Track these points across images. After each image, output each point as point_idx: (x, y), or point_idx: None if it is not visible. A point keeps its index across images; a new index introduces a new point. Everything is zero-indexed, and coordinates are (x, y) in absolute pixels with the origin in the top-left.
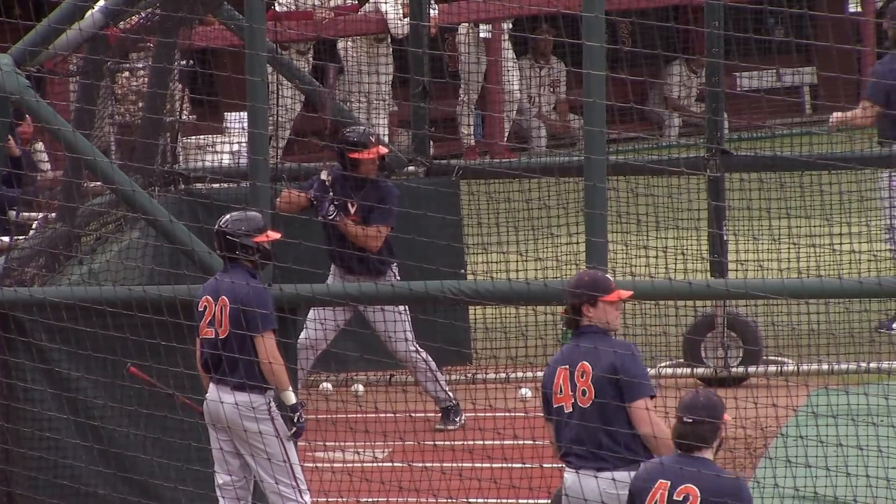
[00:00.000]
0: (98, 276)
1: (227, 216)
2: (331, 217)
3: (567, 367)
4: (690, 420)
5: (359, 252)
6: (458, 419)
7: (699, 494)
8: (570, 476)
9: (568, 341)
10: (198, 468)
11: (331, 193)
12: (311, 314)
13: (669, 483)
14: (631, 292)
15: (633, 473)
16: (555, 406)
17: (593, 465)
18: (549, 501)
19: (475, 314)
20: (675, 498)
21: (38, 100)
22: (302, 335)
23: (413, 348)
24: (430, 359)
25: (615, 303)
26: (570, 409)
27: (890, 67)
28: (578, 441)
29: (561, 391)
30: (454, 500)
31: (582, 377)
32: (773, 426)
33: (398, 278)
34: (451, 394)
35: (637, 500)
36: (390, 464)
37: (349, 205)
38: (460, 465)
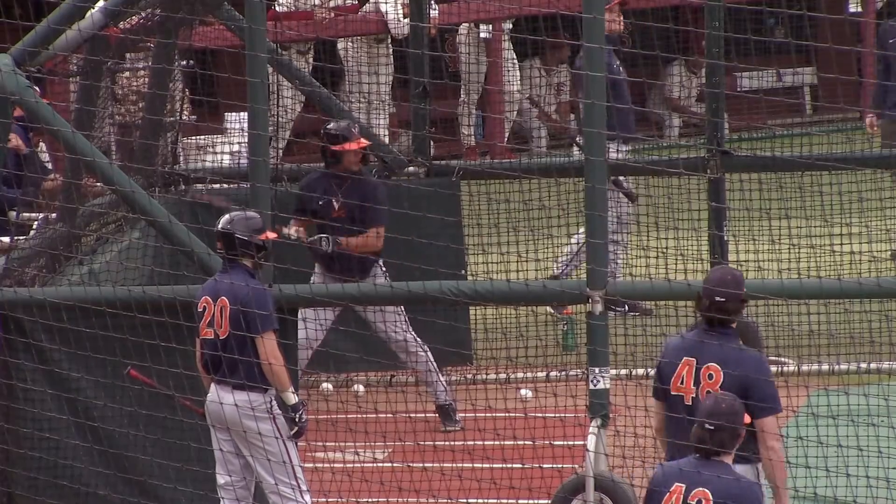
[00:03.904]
0: (98, 276)
1: (227, 216)
2: (328, 249)
3: (693, 359)
4: (712, 426)
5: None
6: (457, 418)
7: (711, 498)
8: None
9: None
10: (197, 468)
11: (320, 202)
12: (300, 314)
13: (684, 487)
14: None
15: (746, 468)
16: (672, 394)
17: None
18: (550, 502)
19: (475, 315)
20: (689, 501)
21: (37, 100)
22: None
23: (412, 337)
24: (430, 355)
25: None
26: (690, 403)
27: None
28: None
29: (682, 382)
30: (454, 501)
31: (710, 378)
32: None
33: (386, 274)
34: (449, 393)
35: (652, 502)
36: (390, 464)
37: (334, 203)
38: (460, 465)
